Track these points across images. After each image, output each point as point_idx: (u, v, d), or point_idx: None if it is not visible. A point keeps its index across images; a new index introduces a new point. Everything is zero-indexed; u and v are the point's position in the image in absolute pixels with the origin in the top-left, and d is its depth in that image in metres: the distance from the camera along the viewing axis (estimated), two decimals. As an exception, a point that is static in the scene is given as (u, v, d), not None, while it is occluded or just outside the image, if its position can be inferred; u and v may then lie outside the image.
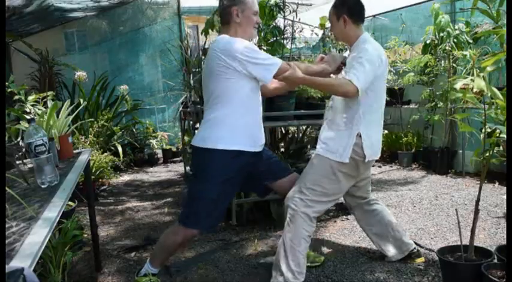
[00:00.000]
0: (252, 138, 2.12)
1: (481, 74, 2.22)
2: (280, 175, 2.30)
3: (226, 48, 2.02)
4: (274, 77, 2.05)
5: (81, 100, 4.82)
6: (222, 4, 2.14)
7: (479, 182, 2.12)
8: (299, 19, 3.65)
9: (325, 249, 2.77)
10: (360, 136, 2.14)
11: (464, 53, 4.18)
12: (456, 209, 2.31)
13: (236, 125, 2.07)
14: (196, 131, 2.34)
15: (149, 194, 4.48)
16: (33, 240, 1.11)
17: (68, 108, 2.41)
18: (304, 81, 2.16)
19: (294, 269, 2.15)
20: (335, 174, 2.19)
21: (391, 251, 2.48)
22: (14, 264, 0.95)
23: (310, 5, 5.46)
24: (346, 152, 2.15)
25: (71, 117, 2.41)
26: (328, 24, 4.56)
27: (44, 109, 2.31)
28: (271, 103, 3.18)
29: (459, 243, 2.09)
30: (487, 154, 2.03)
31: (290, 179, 2.31)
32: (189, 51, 4.78)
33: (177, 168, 5.73)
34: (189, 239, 2.26)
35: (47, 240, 1.16)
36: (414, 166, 5.06)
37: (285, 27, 3.60)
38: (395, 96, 5.41)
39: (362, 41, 2.21)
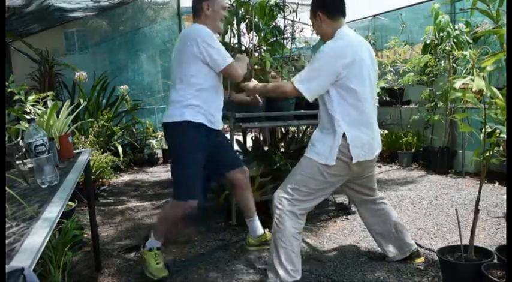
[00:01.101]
0: (208, 117, 2.39)
1: (481, 74, 2.22)
2: (233, 167, 2.61)
3: (190, 33, 2.34)
4: (226, 72, 2.37)
5: (81, 100, 4.82)
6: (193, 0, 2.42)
7: (479, 182, 2.12)
8: (299, 19, 3.64)
9: (325, 249, 2.77)
10: (345, 137, 2.10)
11: (464, 53, 4.18)
12: (456, 209, 2.31)
13: (193, 104, 2.34)
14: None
15: (149, 194, 4.48)
16: (33, 240, 1.11)
17: (68, 108, 2.41)
18: (255, 90, 2.50)
19: (288, 268, 2.15)
20: (323, 175, 2.16)
21: (392, 251, 2.48)
22: (14, 264, 0.95)
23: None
24: (331, 154, 2.11)
25: (71, 117, 2.41)
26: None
27: (44, 109, 2.31)
28: (271, 103, 3.18)
29: (459, 243, 2.10)
30: (487, 154, 2.03)
31: (239, 171, 2.64)
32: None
33: (177, 168, 5.72)
34: (187, 212, 2.44)
35: (47, 240, 1.16)
36: (414, 166, 5.07)
37: (285, 27, 3.59)
38: (395, 96, 5.41)
39: (335, 36, 2.16)
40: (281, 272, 2.15)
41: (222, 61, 2.31)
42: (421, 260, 2.48)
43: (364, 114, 2.16)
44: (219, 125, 2.50)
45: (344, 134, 2.09)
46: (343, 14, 2.21)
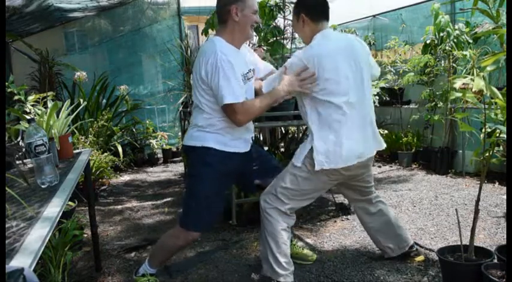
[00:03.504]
0: (236, 141, 2.12)
1: (481, 74, 2.22)
2: (270, 174, 2.31)
3: (206, 56, 1.98)
4: (226, 109, 1.97)
5: (81, 100, 4.82)
6: (221, 2, 2.09)
7: (479, 182, 2.12)
8: (299, 19, 3.64)
9: (325, 249, 2.77)
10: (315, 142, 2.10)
11: (464, 53, 4.18)
12: (456, 209, 2.30)
13: (218, 131, 2.07)
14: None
15: (149, 194, 4.48)
16: (33, 240, 1.11)
17: (68, 108, 2.42)
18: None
19: (282, 260, 2.17)
20: (307, 178, 2.17)
21: (391, 247, 2.47)
22: (14, 264, 0.95)
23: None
24: (300, 156, 2.15)
25: (71, 117, 2.41)
26: (328, 24, 4.58)
27: (44, 109, 2.31)
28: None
29: (459, 243, 2.10)
30: (487, 154, 2.03)
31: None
32: (189, 51, 4.78)
33: (177, 168, 5.73)
34: (190, 243, 2.25)
35: (47, 240, 1.16)
36: (414, 166, 5.06)
37: (285, 27, 3.59)
38: (395, 96, 5.41)
39: (312, 42, 2.13)
40: (276, 266, 2.17)
41: (222, 99, 1.95)
42: (421, 258, 2.48)
43: (338, 116, 2.08)
44: (248, 145, 2.21)
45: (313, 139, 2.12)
46: (326, 18, 2.19)
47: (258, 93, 2.21)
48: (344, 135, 2.08)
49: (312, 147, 2.11)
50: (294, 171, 2.19)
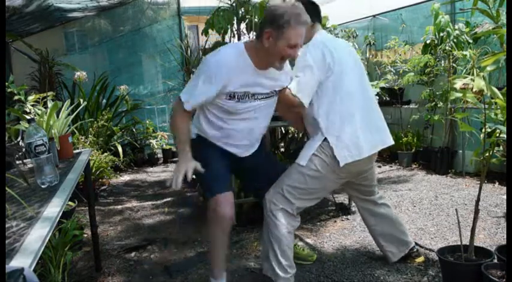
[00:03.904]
0: (221, 144, 2.15)
1: (481, 74, 2.21)
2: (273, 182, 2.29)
3: (213, 52, 2.05)
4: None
5: (81, 100, 4.81)
6: (263, 19, 1.97)
7: (479, 182, 2.12)
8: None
9: (325, 249, 2.77)
10: (327, 140, 2.09)
11: (464, 53, 4.18)
12: (456, 209, 2.30)
13: (206, 132, 2.15)
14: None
15: (149, 194, 4.49)
16: (33, 240, 1.11)
17: (68, 108, 2.42)
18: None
19: (284, 263, 2.17)
20: (315, 177, 2.16)
21: (392, 251, 2.47)
22: (14, 264, 0.96)
23: (310, 5, 5.43)
24: (305, 155, 2.15)
25: (71, 117, 2.41)
26: (328, 24, 4.58)
27: (44, 109, 2.31)
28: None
29: (459, 243, 2.10)
30: (487, 154, 2.03)
31: None
32: (189, 51, 4.78)
33: (177, 168, 5.72)
34: (225, 223, 2.05)
35: (47, 240, 1.16)
36: (414, 166, 5.07)
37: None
38: (395, 96, 5.41)
39: (311, 42, 2.18)
40: (277, 268, 2.16)
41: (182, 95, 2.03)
42: (421, 259, 2.48)
43: (344, 109, 2.13)
44: (234, 151, 2.19)
45: (325, 138, 2.12)
46: (318, 19, 2.27)
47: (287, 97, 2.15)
48: (358, 125, 2.12)
49: (320, 145, 2.11)
50: (301, 170, 2.17)
